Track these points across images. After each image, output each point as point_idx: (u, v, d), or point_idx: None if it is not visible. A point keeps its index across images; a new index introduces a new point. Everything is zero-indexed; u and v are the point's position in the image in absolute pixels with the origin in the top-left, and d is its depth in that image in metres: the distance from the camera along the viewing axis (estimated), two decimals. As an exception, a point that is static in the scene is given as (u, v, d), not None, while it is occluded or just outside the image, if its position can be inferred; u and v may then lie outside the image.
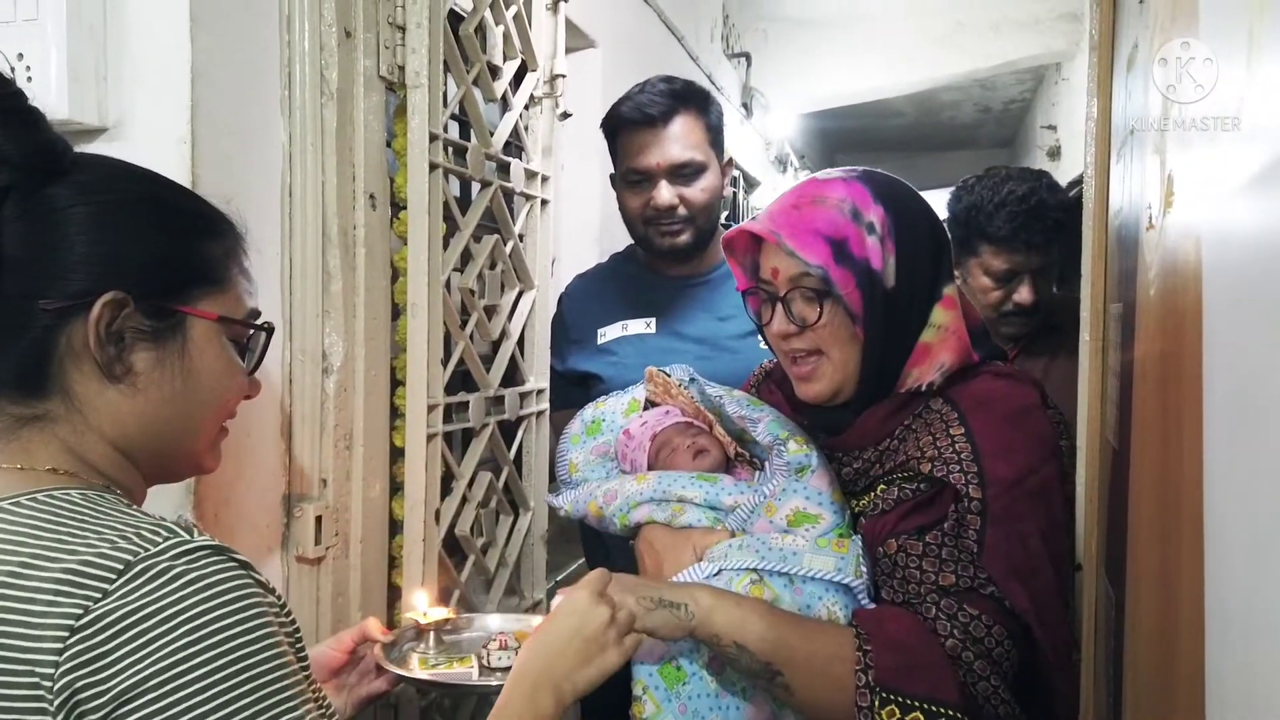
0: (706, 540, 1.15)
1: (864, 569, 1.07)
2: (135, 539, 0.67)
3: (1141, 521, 0.74)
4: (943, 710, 0.92)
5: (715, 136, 1.81)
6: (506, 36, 1.65)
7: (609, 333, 1.87)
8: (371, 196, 1.37)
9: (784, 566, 1.07)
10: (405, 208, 1.41)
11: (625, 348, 1.84)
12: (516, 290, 1.72)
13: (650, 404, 1.42)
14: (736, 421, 1.26)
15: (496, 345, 1.69)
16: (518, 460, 1.75)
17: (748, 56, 5.08)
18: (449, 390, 1.49)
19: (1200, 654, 0.51)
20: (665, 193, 1.75)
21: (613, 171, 1.88)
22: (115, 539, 0.67)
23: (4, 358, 0.75)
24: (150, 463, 0.83)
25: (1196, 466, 0.55)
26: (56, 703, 0.63)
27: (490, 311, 1.64)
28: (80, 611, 0.64)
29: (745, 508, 1.17)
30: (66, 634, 0.63)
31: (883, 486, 1.11)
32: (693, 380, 1.35)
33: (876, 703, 0.93)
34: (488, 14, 1.60)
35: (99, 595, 0.64)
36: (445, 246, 1.47)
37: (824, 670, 0.98)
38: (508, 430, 1.71)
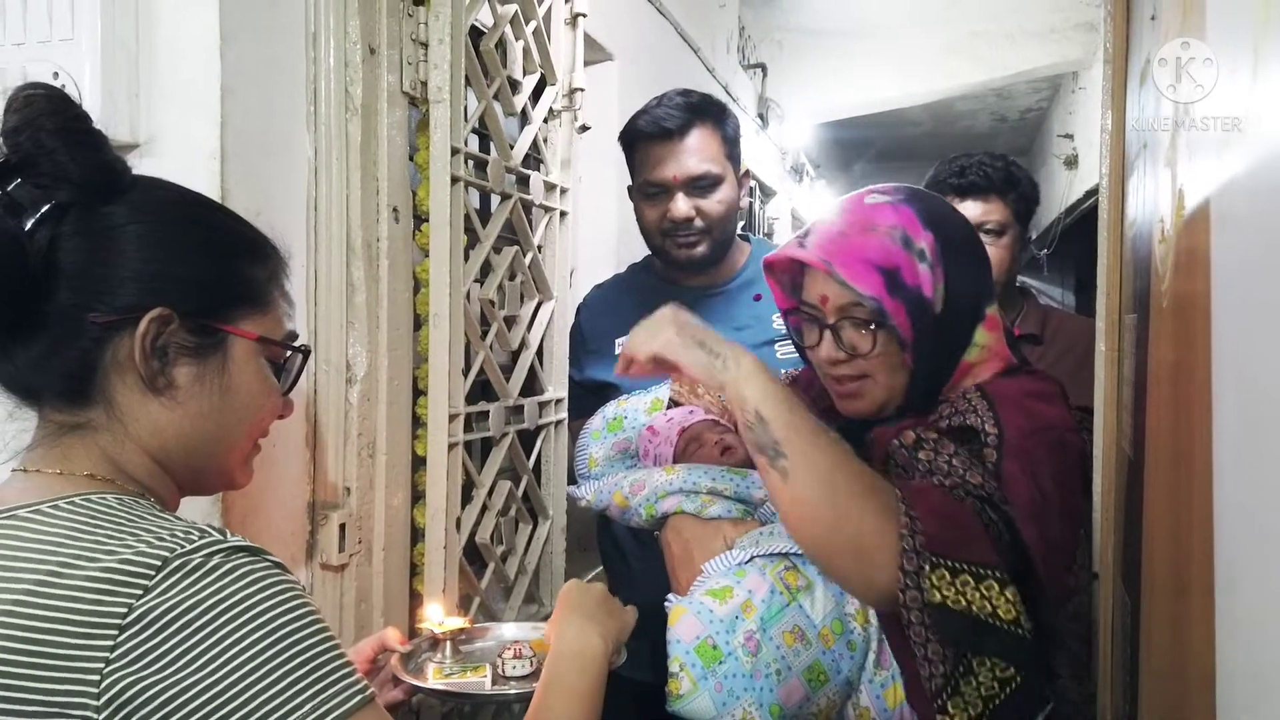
0: (737, 531, 1.17)
1: None
2: (169, 538, 0.70)
3: (1155, 528, 0.75)
4: (989, 571, 0.90)
5: (732, 149, 1.83)
6: (526, 51, 1.68)
7: (625, 344, 1.88)
8: (395, 209, 1.39)
9: None
10: (427, 220, 1.43)
11: None
12: (535, 301, 1.74)
13: (673, 403, 1.44)
14: None
15: (516, 355, 1.71)
16: (536, 469, 1.77)
17: (763, 67, 5.10)
18: (469, 400, 1.51)
19: (1210, 658, 0.52)
20: (682, 205, 1.76)
21: (630, 184, 1.90)
22: (151, 539, 0.70)
23: (52, 367, 0.78)
24: (185, 474, 0.85)
25: (1206, 473, 0.56)
26: (103, 700, 0.65)
27: (510, 322, 1.66)
28: (125, 609, 0.66)
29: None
30: (116, 633, 0.65)
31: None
32: None
33: (926, 567, 0.90)
34: (508, 29, 1.62)
35: (140, 592, 0.66)
36: (466, 258, 1.50)
37: (821, 466, 0.96)
38: (527, 439, 1.73)
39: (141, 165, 1.13)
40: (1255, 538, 0.48)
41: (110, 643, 0.65)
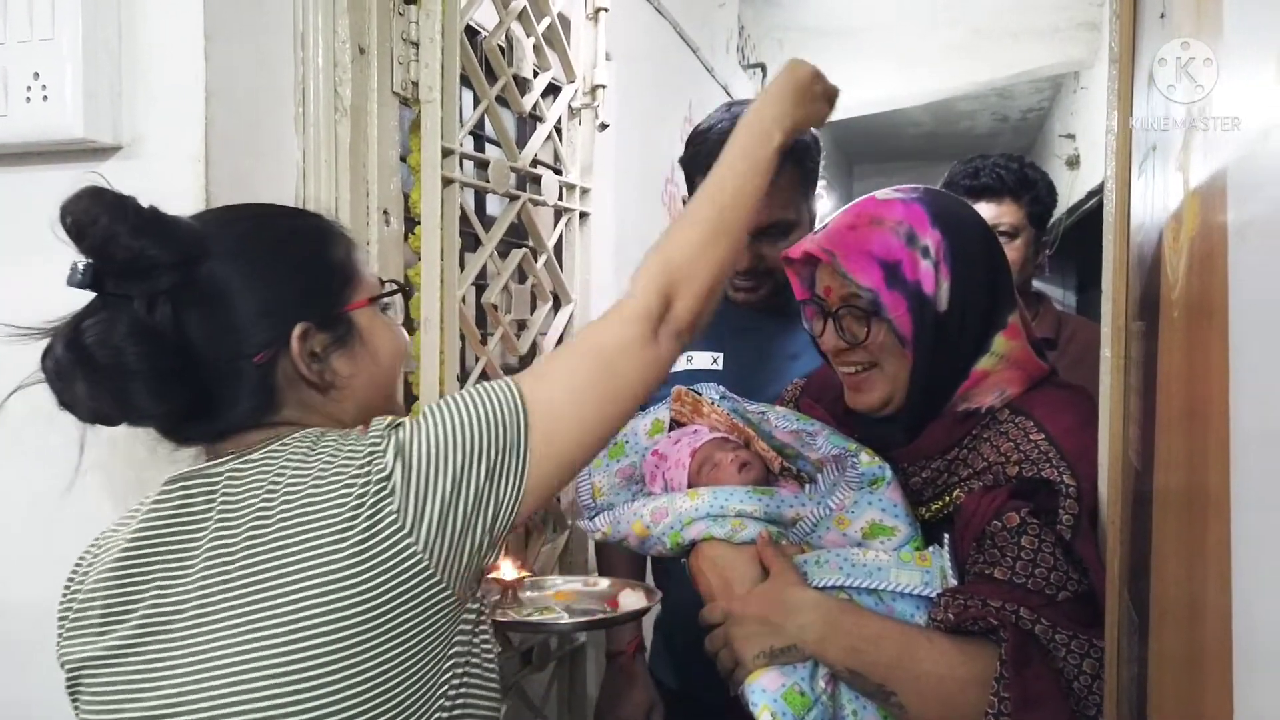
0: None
1: (952, 581, 1.07)
2: (374, 431, 0.86)
3: (1166, 544, 0.72)
4: None
5: (808, 187, 1.61)
6: (538, 49, 1.65)
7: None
8: (385, 212, 1.37)
9: (871, 582, 1.07)
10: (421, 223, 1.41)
11: (680, 384, 1.59)
12: (549, 305, 1.70)
13: (675, 424, 1.39)
14: (785, 436, 1.25)
15: (530, 361, 1.68)
16: None
17: (763, 67, 5.07)
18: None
19: (1228, 691, 0.49)
20: (744, 256, 1.52)
21: (685, 199, 1.65)
22: (359, 438, 0.85)
23: (239, 405, 0.87)
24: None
25: (1223, 491, 0.54)
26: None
27: (521, 326, 1.63)
28: (381, 469, 0.81)
29: (808, 521, 1.16)
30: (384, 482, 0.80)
31: (959, 492, 1.12)
32: (724, 397, 1.34)
33: None
34: (516, 27, 1.59)
35: (380, 454, 0.82)
36: (465, 262, 1.47)
37: (935, 689, 1.00)
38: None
39: (124, 168, 1.11)
40: (1278, 560, 0.46)
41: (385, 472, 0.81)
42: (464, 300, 1.52)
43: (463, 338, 1.51)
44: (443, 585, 0.82)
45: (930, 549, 1.12)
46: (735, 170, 1.04)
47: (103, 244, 0.80)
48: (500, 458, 0.84)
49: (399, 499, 0.80)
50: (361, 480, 0.81)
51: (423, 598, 0.81)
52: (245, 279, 0.87)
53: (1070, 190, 5.68)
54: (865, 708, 1.05)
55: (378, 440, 0.84)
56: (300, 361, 0.88)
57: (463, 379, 1.51)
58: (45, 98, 1.07)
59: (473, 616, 0.88)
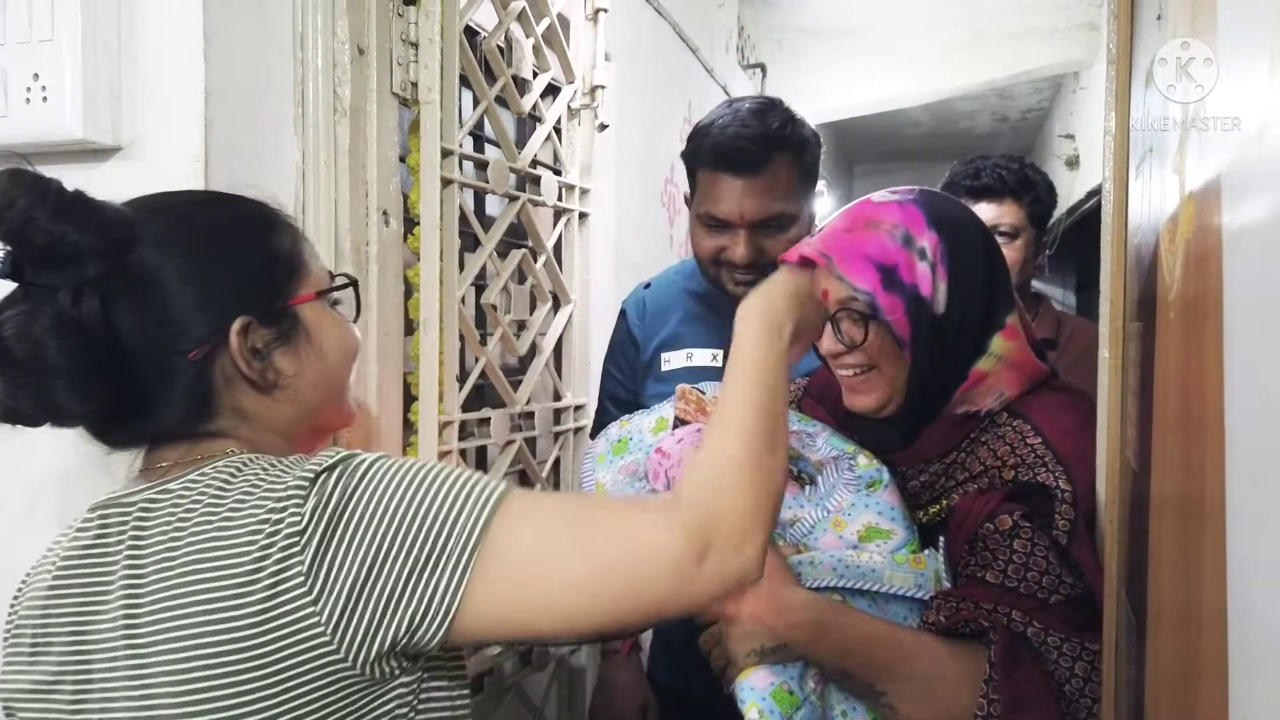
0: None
1: (946, 584, 1.07)
2: (311, 463, 0.77)
3: (1163, 546, 0.72)
4: None
5: (808, 178, 1.59)
6: (537, 50, 1.65)
7: (673, 360, 1.70)
8: (385, 213, 1.37)
9: (865, 584, 1.07)
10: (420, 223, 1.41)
11: (681, 382, 1.60)
12: (549, 305, 1.71)
13: (680, 422, 1.39)
14: None
15: (529, 361, 1.68)
16: (555, 477, 1.73)
17: (763, 68, 5.07)
18: (471, 406, 1.48)
19: (1224, 693, 0.50)
20: (743, 249, 1.52)
21: (688, 194, 1.68)
22: (290, 469, 0.77)
23: (171, 406, 0.82)
24: (307, 436, 0.92)
25: (1219, 492, 0.54)
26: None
27: (520, 326, 1.63)
28: (296, 519, 0.72)
29: (806, 522, 1.16)
30: (297, 543, 0.72)
31: (955, 496, 1.12)
32: None
33: None
34: (516, 28, 1.59)
35: (300, 502, 0.73)
36: (465, 263, 1.47)
37: (925, 690, 1.01)
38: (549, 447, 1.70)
39: (123, 169, 1.11)
40: (1272, 563, 0.46)
41: (295, 554, 0.72)
42: (463, 301, 1.52)
43: (462, 338, 1.52)
44: (350, 668, 0.73)
45: (926, 552, 1.12)
46: (756, 364, 0.93)
47: (20, 228, 0.73)
48: (431, 560, 0.73)
49: (310, 559, 0.71)
50: (270, 528, 0.72)
51: (325, 676, 0.72)
52: (180, 268, 0.80)
53: (1070, 190, 5.68)
54: (855, 708, 1.05)
55: (302, 484, 0.74)
56: (240, 358, 0.82)
57: (462, 380, 1.52)
58: (45, 99, 1.07)
59: (412, 685, 0.78)
